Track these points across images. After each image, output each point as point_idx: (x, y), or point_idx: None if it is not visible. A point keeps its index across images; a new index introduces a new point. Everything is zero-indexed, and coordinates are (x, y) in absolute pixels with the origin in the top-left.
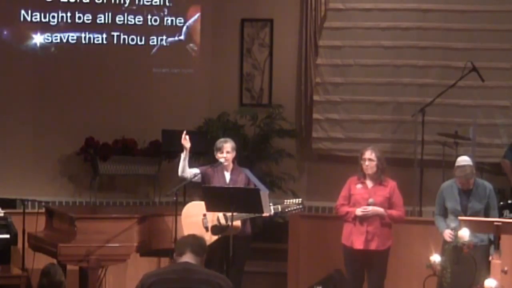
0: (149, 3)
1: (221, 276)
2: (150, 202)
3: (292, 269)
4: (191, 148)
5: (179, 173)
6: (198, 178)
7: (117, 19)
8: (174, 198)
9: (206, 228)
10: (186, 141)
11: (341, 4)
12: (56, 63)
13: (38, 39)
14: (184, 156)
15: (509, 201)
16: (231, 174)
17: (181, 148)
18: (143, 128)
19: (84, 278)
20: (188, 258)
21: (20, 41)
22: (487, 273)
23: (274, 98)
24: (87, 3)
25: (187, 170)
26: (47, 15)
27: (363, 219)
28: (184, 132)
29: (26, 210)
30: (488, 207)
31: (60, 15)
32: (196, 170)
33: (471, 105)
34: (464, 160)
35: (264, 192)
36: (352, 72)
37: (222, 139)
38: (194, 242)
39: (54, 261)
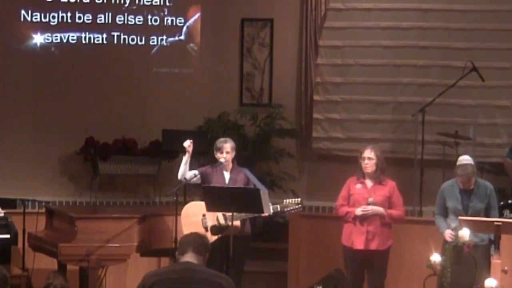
0: (149, 3)
1: (223, 276)
2: (150, 202)
3: (292, 269)
4: (192, 151)
5: (179, 177)
6: (197, 179)
7: (117, 19)
8: (174, 198)
9: (206, 228)
10: (190, 148)
11: (341, 4)
12: (56, 63)
13: (38, 39)
14: (185, 160)
15: (509, 201)
16: (231, 174)
17: (182, 148)
18: (143, 128)
19: (84, 278)
20: (190, 257)
21: (20, 41)
22: (488, 272)
23: (274, 98)
24: (87, 3)
25: (187, 174)
26: (47, 15)
27: (363, 218)
28: (190, 141)
29: (26, 210)
30: (489, 207)
31: (60, 15)
32: (195, 172)
33: (471, 105)
34: (465, 159)
35: (264, 192)
36: (352, 72)
37: (221, 139)
38: (196, 241)
39: (54, 261)
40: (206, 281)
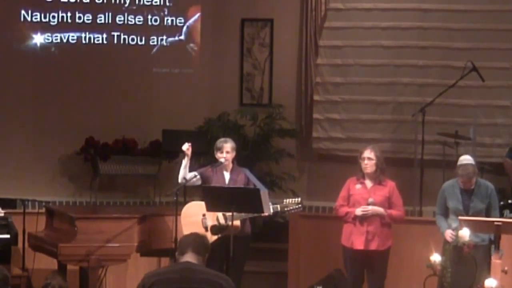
0: (149, 3)
1: (223, 276)
2: (150, 202)
3: (292, 269)
4: (192, 153)
5: (179, 180)
6: (197, 180)
7: (117, 19)
8: (174, 198)
9: (206, 228)
10: (188, 151)
11: (341, 4)
12: (56, 63)
13: (38, 39)
14: (184, 164)
15: (510, 201)
16: (231, 174)
17: (182, 148)
18: (143, 128)
19: (84, 278)
20: (189, 257)
21: (20, 41)
22: (488, 273)
23: (274, 98)
24: (87, 3)
25: (187, 175)
26: (47, 15)
27: (363, 219)
28: (189, 144)
29: (26, 210)
30: (490, 207)
31: (60, 15)
32: (195, 173)
33: (471, 105)
34: (466, 159)
35: (264, 192)
36: (352, 72)
37: (222, 139)
38: (196, 241)
39: (54, 261)
40: (206, 281)
